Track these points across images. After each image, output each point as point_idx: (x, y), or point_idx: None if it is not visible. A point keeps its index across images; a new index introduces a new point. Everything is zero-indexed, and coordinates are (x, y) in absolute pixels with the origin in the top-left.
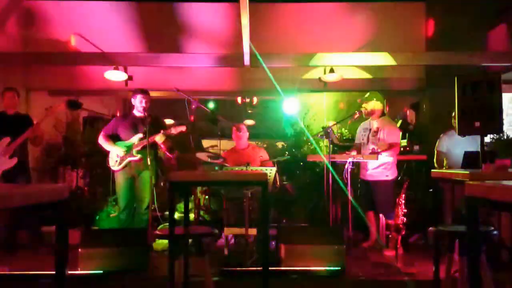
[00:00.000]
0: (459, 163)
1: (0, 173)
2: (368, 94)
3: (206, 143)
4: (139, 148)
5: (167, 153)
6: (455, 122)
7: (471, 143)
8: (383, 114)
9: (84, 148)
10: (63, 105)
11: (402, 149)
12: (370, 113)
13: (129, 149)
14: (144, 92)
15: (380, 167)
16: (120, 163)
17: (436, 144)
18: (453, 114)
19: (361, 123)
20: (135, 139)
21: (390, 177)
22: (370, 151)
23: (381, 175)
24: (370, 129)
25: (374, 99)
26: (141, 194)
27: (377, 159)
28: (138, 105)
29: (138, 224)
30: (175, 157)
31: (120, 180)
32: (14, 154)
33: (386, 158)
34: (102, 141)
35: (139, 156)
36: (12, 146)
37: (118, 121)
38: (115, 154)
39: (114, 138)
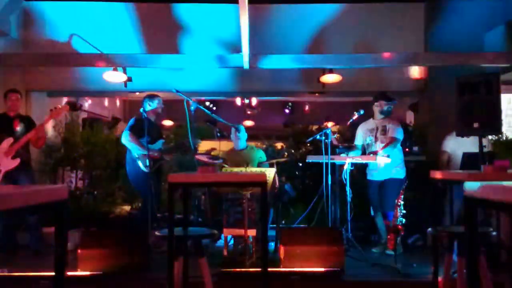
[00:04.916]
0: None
1: (3, 173)
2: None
3: (205, 144)
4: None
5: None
6: None
7: (475, 144)
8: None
9: (83, 149)
10: (67, 106)
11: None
12: (386, 112)
13: (159, 152)
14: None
15: (394, 166)
16: (153, 165)
17: (441, 144)
18: None
19: (360, 124)
20: (160, 144)
21: (402, 176)
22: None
23: (395, 173)
24: (376, 128)
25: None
26: (159, 194)
27: (375, 159)
28: (157, 108)
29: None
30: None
31: (148, 181)
32: (17, 155)
33: (399, 156)
34: (130, 139)
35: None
36: (14, 147)
37: (142, 123)
38: (147, 156)
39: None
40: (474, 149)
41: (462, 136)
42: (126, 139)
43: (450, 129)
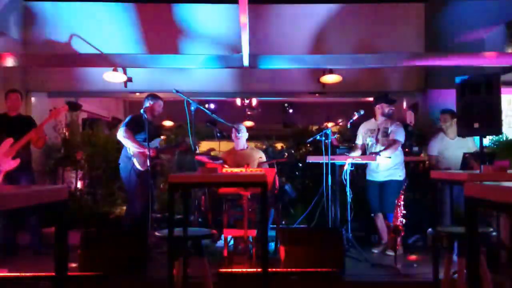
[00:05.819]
0: (451, 165)
1: (4, 174)
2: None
3: (205, 144)
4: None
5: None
6: (445, 125)
7: (462, 145)
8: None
9: (83, 150)
10: (66, 107)
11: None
12: (387, 115)
13: (155, 150)
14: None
15: (394, 167)
16: (149, 163)
17: (427, 149)
18: (444, 116)
19: (362, 123)
20: (157, 143)
21: (402, 177)
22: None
23: (395, 175)
24: (378, 130)
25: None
26: (152, 195)
27: (375, 160)
28: (157, 109)
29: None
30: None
31: (145, 181)
32: (17, 155)
33: (399, 157)
34: (127, 136)
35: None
36: (15, 147)
37: (140, 121)
38: (142, 154)
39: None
40: (460, 150)
41: (464, 136)
42: (121, 135)
43: (433, 133)
